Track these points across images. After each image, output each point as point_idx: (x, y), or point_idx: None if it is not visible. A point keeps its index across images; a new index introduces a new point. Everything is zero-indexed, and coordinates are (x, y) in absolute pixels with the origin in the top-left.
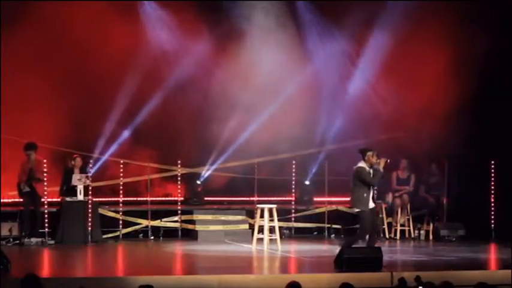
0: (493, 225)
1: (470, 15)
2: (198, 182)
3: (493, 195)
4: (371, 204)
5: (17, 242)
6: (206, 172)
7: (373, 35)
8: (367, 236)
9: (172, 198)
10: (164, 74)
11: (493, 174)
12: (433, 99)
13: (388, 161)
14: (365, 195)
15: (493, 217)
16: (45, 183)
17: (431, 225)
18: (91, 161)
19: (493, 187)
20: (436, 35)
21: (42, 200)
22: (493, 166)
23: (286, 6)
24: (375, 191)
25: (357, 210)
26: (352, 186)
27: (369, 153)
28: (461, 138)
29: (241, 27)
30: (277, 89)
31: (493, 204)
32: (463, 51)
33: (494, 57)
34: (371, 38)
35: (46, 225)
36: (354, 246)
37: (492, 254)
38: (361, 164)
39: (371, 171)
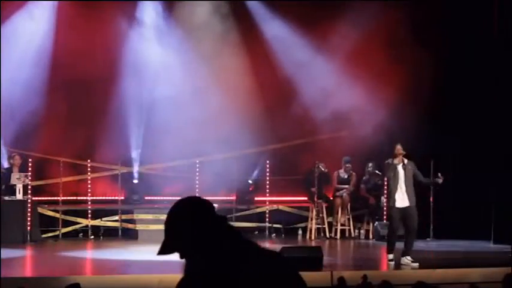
0: (431, 225)
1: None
2: (136, 181)
3: (432, 196)
4: (399, 203)
5: None
6: (146, 171)
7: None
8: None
9: (113, 198)
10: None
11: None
12: (376, 98)
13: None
14: (392, 190)
15: (431, 217)
16: None
17: (371, 224)
18: (30, 159)
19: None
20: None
21: None
22: (431, 166)
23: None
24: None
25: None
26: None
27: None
28: (406, 138)
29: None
30: (219, 87)
31: (432, 205)
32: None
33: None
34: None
35: None
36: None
37: (431, 253)
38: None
39: (398, 165)
